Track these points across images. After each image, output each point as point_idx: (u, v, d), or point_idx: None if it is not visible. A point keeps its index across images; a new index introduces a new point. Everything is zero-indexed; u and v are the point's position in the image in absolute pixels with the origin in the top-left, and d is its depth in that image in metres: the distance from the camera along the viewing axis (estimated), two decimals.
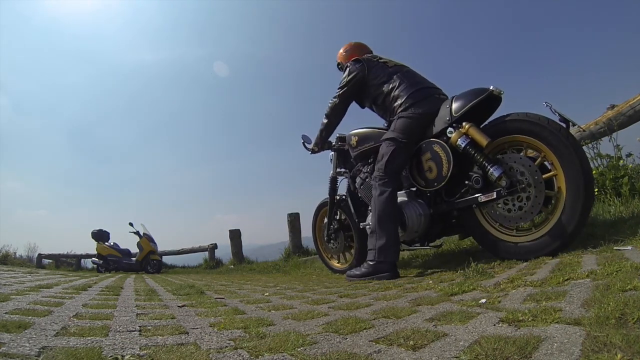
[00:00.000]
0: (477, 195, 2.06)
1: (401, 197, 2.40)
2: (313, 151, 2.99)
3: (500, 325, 0.88)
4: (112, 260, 8.04)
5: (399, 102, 2.34)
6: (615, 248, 1.65)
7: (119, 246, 8.41)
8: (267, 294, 2.02)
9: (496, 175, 1.94)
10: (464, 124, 2.05)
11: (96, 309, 1.41)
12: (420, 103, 2.28)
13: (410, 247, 2.52)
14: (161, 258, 8.43)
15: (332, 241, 3.24)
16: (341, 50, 2.92)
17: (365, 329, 0.99)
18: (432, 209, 2.33)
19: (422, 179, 2.27)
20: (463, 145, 2.04)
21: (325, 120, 2.71)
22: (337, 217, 3.17)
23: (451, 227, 2.44)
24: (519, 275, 1.50)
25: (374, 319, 1.10)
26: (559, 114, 1.89)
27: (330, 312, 1.29)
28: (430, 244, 2.52)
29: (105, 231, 8.56)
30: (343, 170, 3.08)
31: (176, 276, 5.33)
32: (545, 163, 1.94)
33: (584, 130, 3.24)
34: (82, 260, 10.23)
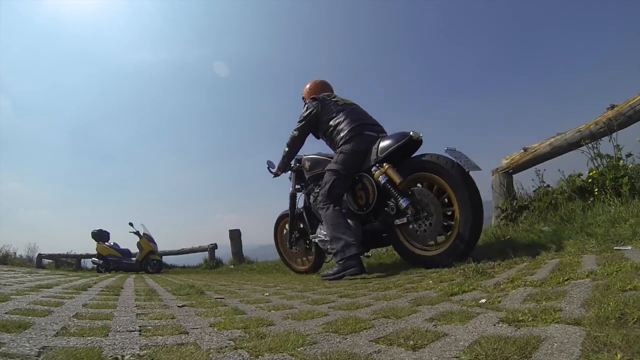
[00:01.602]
0: (394, 219, 2.55)
1: (348, 212, 2.82)
2: (276, 174, 3.42)
3: (500, 325, 0.88)
4: (112, 260, 8.03)
5: (341, 135, 2.77)
6: (615, 248, 1.66)
7: (119, 246, 8.40)
8: (267, 294, 2.02)
9: (404, 206, 2.43)
10: (384, 164, 2.52)
11: (96, 309, 1.41)
12: (357, 139, 2.71)
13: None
14: (161, 258, 8.42)
15: (293, 247, 3.75)
16: (307, 87, 3.32)
17: (365, 329, 0.99)
18: (364, 227, 2.79)
19: (355, 204, 2.82)
20: (383, 182, 2.52)
21: (286, 149, 3.16)
22: (299, 227, 3.64)
23: (381, 241, 2.91)
24: (519, 275, 1.50)
25: (374, 319, 1.10)
26: (459, 162, 2.29)
27: (330, 312, 1.29)
28: (365, 254, 2.97)
29: (105, 231, 8.54)
30: (300, 186, 3.51)
31: (176, 276, 5.33)
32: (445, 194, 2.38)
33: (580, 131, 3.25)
34: (82, 260, 10.22)
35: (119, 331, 1.02)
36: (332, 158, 2.87)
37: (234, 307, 1.49)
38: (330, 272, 2.56)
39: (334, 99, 2.97)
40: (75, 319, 1.17)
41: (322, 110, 2.91)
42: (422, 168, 2.44)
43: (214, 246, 8.19)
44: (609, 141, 3.04)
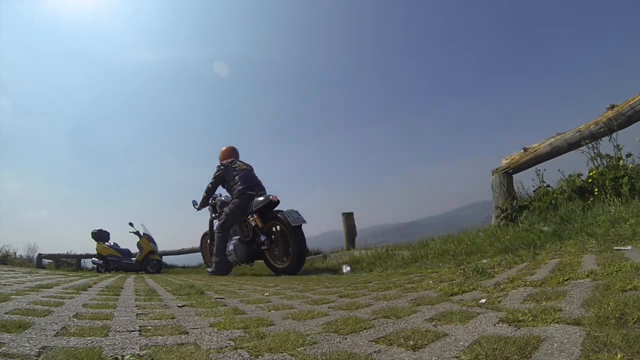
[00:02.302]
0: (261, 246, 4.40)
1: (235, 240, 4.64)
2: (199, 209, 5.16)
3: (500, 325, 0.88)
4: (112, 260, 8.01)
5: (234, 193, 4.61)
6: (615, 248, 1.66)
7: (119, 246, 8.38)
8: (267, 294, 2.02)
9: (262, 240, 4.35)
10: (254, 215, 4.40)
11: (96, 309, 1.41)
12: (242, 197, 4.50)
13: (240, 264, 4.80)
14: (161, 258, 8.40)
15: (213, 255, 5.08)
16: (222, 150, 5.09)
17: (365, 329, 0.99)
18: (249, 248, 4.58)
19: (243, 234, 4.66)
20: (253, 225, 4.44)
21: (205, 194, 5.01)
22: None
23: (258, 257, 4.59)
24: (519, 275, 1.50)
25: (374, 319, 1.10)
26: (289, 219, 4.03)
27: (330, 312, 1.29)
28: (250, 264, 4.82)
29: (105, 231, 8.52)
30: (215, 215, 5.14)
31: (176, 276, 5.33)
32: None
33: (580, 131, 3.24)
34: (82, 260, 10.19)
35: (119, 331, 1.02)
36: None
37: (234, 307, 1.49)
38: (209, 270, 4.72)
39: (234, 165, 4.72)
40: (75, 319, 1.17)
41: (225, 174, 4.73)
42: (275, 218, 4.27)
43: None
44: (609, 141, 3.04)
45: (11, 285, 2.20)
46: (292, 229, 3.97)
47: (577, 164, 3.33)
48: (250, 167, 4.79)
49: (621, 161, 2.94)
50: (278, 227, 4.27)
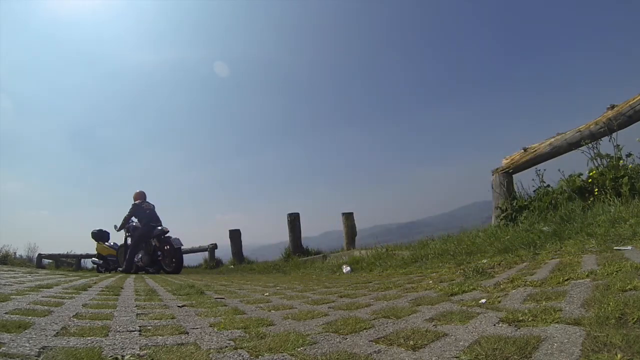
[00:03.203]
0: (159, 257, 6.76)
1: (142, 253, 6.70)
2: (118, 230, 7.08)
3: (500, 325, 0.88)
4: (112, 260, 8.00)
5: (142, 222, 6.74)
6: (615, 248, 1.66)
7: (118, 246, 8.37)
8: (267, 294, 2.02)
9: (159, 254, 6.71)
10: (154, 239, 6.62)
11: (96, 309, 1.41)
12: (146, 227, 6.66)
13: (146, 269, 6.69)
14: None
15: (125, 260, 7.07)
16: (136, 192, 7.08)
17: (365, 329, 0.99)
18: (151, 258, 6.72)
19: (146, 250, 6.73)
20: (153, 245, 6.65)
21: (123, 221, 6.92)
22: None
23: (158, 265, 6.70)
24: (519, 275, 1.50)
25: (374, 319, 1.10)
26: (173, 242, 6.39)
27: (330, 312, 1.29)
28: (151, 268, 6.68)
29: (105, 231, 8.51)
30: (129, 235, 7.04)
31: (176, 276, 5.33)
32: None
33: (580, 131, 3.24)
34: (82, 260, 10.20)
35: (119, 331, 1.02)
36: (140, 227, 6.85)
37: (234, 307, 1.49)
38: (121, 268, 6.74)
39: (143, 205, 6.75)
40: (75, 319, 1.17)
41: (136, 211, 6.76)
42: (166, 242, 6.44)
43: (214, 246, 8.17)
44: (609, 141, 3.04)
45: (11, 285, 2.20)
46: (174, 248, 6.35)
47: (577, 164, 3.33)
48: (153, 205, 7.06)
49: (621, 161, 2.94)
50: (167, 247, 6.52)
